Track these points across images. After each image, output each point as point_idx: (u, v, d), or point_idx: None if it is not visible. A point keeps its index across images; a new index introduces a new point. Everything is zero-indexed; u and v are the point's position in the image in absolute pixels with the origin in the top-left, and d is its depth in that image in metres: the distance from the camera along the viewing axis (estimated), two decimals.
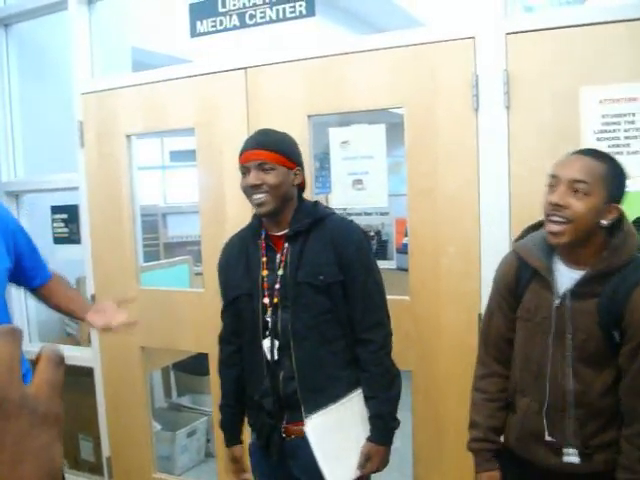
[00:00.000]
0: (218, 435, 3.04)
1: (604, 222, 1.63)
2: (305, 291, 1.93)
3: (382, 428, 1.98)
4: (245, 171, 1.94)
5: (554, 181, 1.65)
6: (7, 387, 0.48)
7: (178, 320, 3.09)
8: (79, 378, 3.37)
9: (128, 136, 3.14)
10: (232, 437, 2.17)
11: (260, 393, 1.99)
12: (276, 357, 1.96)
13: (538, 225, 1.84)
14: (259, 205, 1.92)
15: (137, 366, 3.27)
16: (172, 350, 3.52)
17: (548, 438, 1.73)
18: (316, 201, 2.11)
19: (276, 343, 1.96)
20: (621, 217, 1.67)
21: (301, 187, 2.04)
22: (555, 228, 1.63)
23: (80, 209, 3.32)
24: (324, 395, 1.94)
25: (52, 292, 2.26)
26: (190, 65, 3.03)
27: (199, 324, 2.98)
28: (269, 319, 1.97)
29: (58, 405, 0.52)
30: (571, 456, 1.72)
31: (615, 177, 1.64)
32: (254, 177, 1.90)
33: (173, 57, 3.70)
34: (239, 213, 2.77)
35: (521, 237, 1.87)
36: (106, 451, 3.45)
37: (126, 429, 3.35)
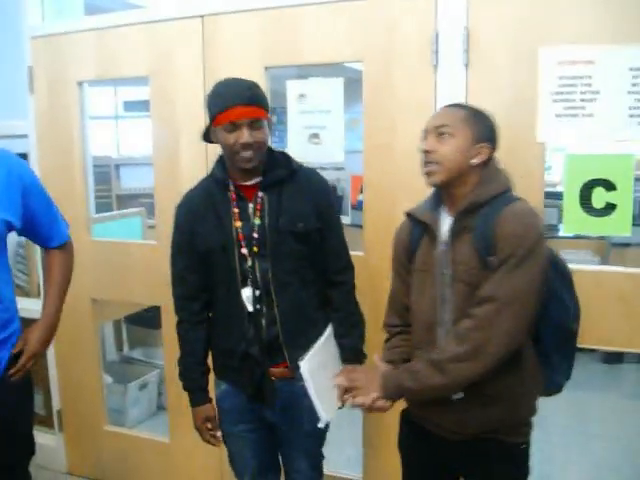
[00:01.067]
0: (170, 388, 3.06)
1: (474, 161, 1.72)
2: (286, 239, 1.97)
3: (356, 360, 2.09)
4: (233, 128, 1.87)
5: (424, 134, 1.77)
6: None
7: (130, 272, 3.06)
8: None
9: (80, 83, 3.05)
10: (204, 396, 2.16)
11: (245, 342, 2.00)
12: (258, 306, 1.99)
13: None
14: (248, 161, 1.91)
15: (88, 318, 3.24)
16: (124, 303, 3.49)
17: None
18: (283, 152, 2.11)
19: (257, 292, 1.98)
20: (491, 157, 1.77)
21: None
22: (427, 169, 1.74)
23: (29, 158, 3.22)
24: (304, 337, 1.99)
25: (49, 266, 2.26)
26: (145, 11, 2.94)
27: (152, 277, 2.95)
28: (249, 269, 1.98)
29: None
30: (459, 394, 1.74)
31: (478, 118, 1.76)
32: (248, 135, 1.87)
33: (128, 2, 3.58)
34: (194, 165, 2.74)
35: None
36: (57, 404, 3.44)
37: (77, 382, 3.33)
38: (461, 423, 1.75)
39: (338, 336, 2.09)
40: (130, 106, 8.16)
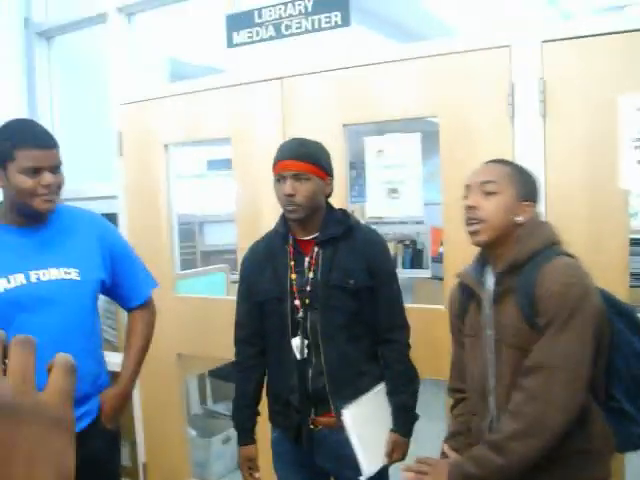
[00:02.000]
0: None
1: (519, 219, 1.69)
2: (336, 294, 2.03)
3: (406, 420, 2.11)
4: (280, 179, 2.02)
5: (467, 190, 1.75)
6: (21, 395, 0.50)
7: (213, 327, 3.11)
8: None
9: (166, 145, 3.19)
10: (248, 437, 2.23)
11: (288, 389, 2.08)
12: (307, 355, 2.05)
13: None
14: (291, 212, 2.02)
15: (173, 372, 3.31)
16: (207, 357, 3.55)
17: None
18: (344, 209, 2.20)
19: (306, 342, 2.05)
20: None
21: (328, 195, 2.12)
22: (472, 227, 1.71)
23: (118, 218, 3.38)
24: (350, 389, 2.05)
25: (130, 327, 2.31)
26: (226, 75, 3.06)
27: (233, 331, 2.99)
28: (300, 320, 2.05)
29: (69, 412, 0.53)
30: None
31: (521, 175, 1.74)
32: (290, 187, 1.98)
33: (210, 68, 3.74)
34: (274, 222, 2.78)
35: None
36: (142, 456, 3.50)
37: (162, 435, 3.39)
38: None
39: (388, 393, 2.11)
40: (214, 164, 8.39)
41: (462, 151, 2.42)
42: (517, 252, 1.67)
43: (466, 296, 1.84)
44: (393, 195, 2.61)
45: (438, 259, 5.23)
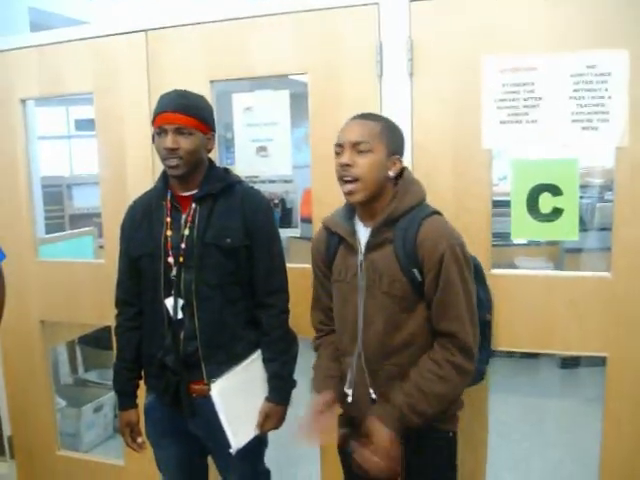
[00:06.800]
0: None
1: (390, 173, 1.79)
2: (211, 252, 1.98)
3: (280, 388, 2.09)
4: (161, 132, 1.94)
5: (339, 148, 1.80)
6: None
7: (79, 292, 3.00)
8: None
9: (23, 100, 2.99)
10: (129, 400, 2.18)
11: (162, 351, 2.02)
12: (180, 316, 2.00)
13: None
14: (171, 167, 1.95)
15: (37, 341, 3.16)
16: (73, 323, 3.42)
17: (372, 394, 1.83)
18: (226, 168, 2.14)
19: (180, 302, 1.99)
20: (403, 168, 1.85)
21: (209, 150, 2.06)
22: (348, 187, 1.77)
23: None
24: (225, 354, 2.02)
25: None
26: (88, 26, 2.90)
27: (100, 296, 2.89)
28: (173, 278, 1.99)
29: None
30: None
31: (390, 132, 1.82)
32: (171, 141, 1.91)
33: (73, 19, 3.54)
34: (140, 183, 2.68)
35: None
36: (7, 430, 3.34)
37: (28, 407, 3.25)
38: None
39: (265, 361, 2.09)
40: (81, 125, 8.06)
41: (331, 109, 2.41)
42: (396, 207, 1.78)
43: (334, 242, 1.92)
44: (262, 153, 2.58)
45: (307, 219, 5.24)
